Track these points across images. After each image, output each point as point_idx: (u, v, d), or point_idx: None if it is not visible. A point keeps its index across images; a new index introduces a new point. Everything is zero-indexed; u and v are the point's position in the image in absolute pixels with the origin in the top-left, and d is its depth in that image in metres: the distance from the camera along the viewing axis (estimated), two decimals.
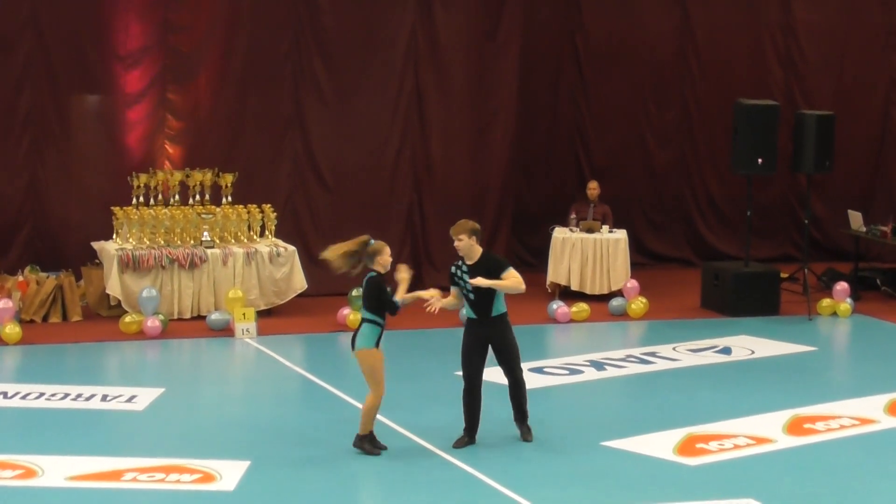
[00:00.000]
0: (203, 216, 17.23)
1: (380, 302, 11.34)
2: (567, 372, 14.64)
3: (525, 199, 20.35)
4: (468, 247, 11.61)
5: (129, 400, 13.25)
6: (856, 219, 19.46)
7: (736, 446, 11.87)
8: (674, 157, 21.18)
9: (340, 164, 18.73)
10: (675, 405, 13.29)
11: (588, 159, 20.77)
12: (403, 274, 11.48)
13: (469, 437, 11.80)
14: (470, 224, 11.66)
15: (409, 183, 19.08)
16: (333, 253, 11.45)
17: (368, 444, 11.51)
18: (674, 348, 15.78)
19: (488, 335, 11.71)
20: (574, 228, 18.54)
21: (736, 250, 20.54)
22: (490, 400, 12.67)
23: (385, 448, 11.53)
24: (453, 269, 11.77)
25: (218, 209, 17.38)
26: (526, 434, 11.93)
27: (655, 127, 21.05)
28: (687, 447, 11.82)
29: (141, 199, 17.34)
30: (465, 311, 11.88)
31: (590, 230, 18.42)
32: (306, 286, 17.22)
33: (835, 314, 17.80)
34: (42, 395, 13.37)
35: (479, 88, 19.22)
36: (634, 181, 20.87)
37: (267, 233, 17.56)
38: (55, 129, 17.84)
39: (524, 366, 14.59)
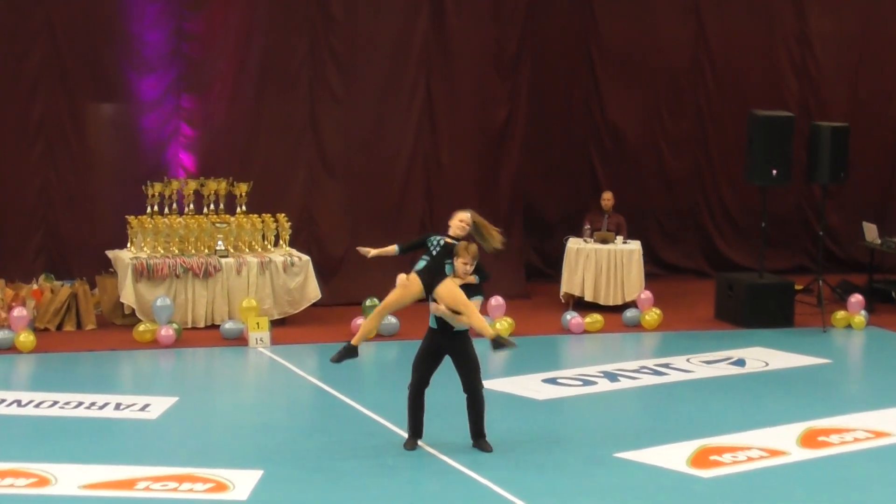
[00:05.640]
0: (217, 225, 17.23)
1: None
2: (580, 383, 14.62)
3: (539, 209, 20.31)
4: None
5: (143, 409, 13.26)
6: (871, 230, 19.41)
7: (749, 459, 11.84)
8: (688, 167, 21.12)
9: (354, 172, 18.71)
10: (689, 417, 13.26)
11: (602, 168, 20.73)
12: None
13: (415, 440, 11.85)
14: (474, 248, 11.71)
15: (421, 190, 19.07)
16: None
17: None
18: (688, 360, 15.74)
19: (446, 347, 11.71)
20: (588, 239, 18.52)
21: (750, 261, 20.46)
22: (497, 410, 12.66)
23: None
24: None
25: (232, 218, 17.37)
26: (486, 447, 11.82)
27: (670, 136, 21.01)
28: (700, 459, 11.79)
29: (155, 207, 17.35)
30: (430, 320, 11.78)
31: (604, 241, 18.39)
32: (320, 296, 17.20)
33: (849, 326, 17.75)
34: (56, 403, 13.37)
35: (491, 96, 19.21)
36: (648, 191, 20.84)
37: (281, 242, 17.56)
38: (69, 137, 17.85)
39: (538, 376, 14.75)
